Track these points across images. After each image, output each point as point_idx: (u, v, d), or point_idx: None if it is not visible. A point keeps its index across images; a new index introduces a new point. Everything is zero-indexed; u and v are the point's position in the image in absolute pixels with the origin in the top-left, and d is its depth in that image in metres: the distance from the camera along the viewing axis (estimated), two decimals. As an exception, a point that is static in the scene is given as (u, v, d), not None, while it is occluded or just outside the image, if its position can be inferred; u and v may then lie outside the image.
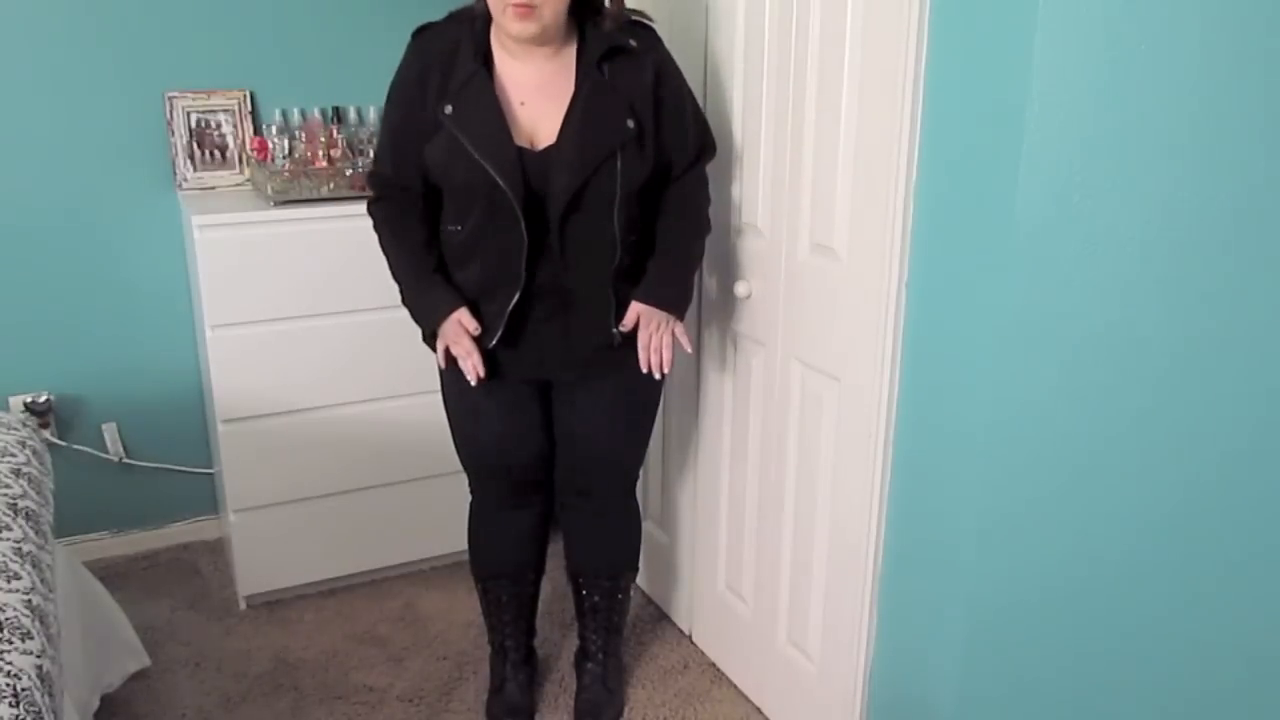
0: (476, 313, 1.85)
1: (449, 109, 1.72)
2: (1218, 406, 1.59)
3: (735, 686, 2.31)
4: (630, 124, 1.75)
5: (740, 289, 2.04)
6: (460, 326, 1.83)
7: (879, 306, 1.69)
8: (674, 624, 2.54)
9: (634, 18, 1.82)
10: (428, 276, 1.86)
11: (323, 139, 2.51)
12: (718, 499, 2.27)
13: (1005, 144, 1.42)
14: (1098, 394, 1.56)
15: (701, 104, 2.09)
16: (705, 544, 2.35)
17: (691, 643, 2.47)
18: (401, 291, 1.91)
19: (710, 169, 2.09)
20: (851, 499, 1.84)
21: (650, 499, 2.57)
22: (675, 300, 1.91)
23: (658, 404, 2.08)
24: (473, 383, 1.86)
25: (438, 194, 1.86)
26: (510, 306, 1.82)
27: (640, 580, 2.66)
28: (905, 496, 1.75)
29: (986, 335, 1.52)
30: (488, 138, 1.72)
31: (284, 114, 2.62)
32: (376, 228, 1.92)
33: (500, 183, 1.72)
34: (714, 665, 2.39)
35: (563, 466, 2.07)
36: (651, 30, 1.83)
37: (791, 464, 2.01)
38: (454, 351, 1.86)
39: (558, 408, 2.01)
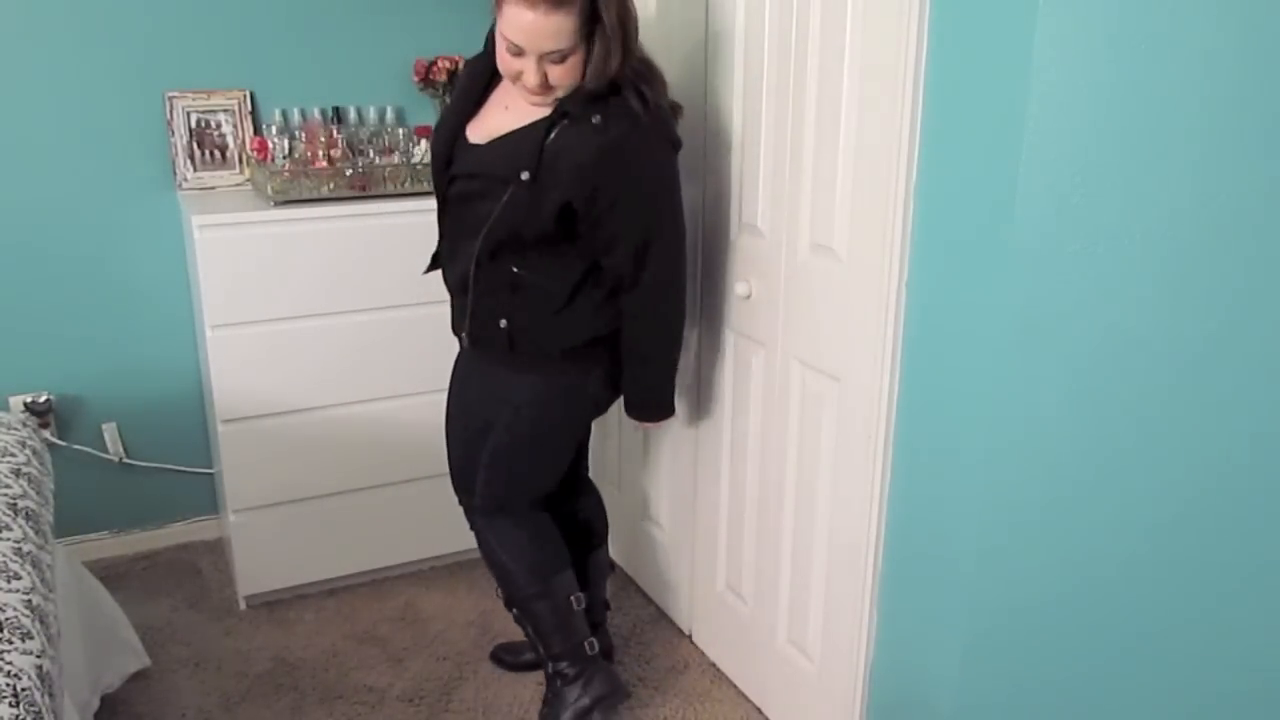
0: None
1: (448, 99, 1.86)
2: (1220, 408, 1.59)
3: (735, 686, 2.31)
4: (524, 175, 1.74)
5: (740, 289, 2.03)
6: None
7: (879, 306, 1.70)
8: (674, 624, 2.54)
9: (631, 103, 1.72)
10: None
11: (323, 139, 2.51)
12: (718, 499, 2.27)
13: (1005, 144, 1.42)
14: (1097, 394, 1.55)
15: (702, 104, 2.09)
16: (705, 544, 2.35)
17: (691, 643, 2.47)
18: None
19: (710, 169, 2.09)
20: (851, 499, 1.84)
21: (650, 499, 2.57)
22: (641, 409, 2.03)
23: (526, 437, 1.96)
24: None
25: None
26: (466, 305, 1.92)
27: (640, 580, 2.66)
28: (905, 497, 1.75)
29: (986, 335, 1.52)
30: (446, 123, 1.89)
31: (284, 114, 2.62)
32: None
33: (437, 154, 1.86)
34: (714, 665, 2.39)
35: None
36: (631, 118, 1.72)
37: (791, 464, 2.00)
38: None
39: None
